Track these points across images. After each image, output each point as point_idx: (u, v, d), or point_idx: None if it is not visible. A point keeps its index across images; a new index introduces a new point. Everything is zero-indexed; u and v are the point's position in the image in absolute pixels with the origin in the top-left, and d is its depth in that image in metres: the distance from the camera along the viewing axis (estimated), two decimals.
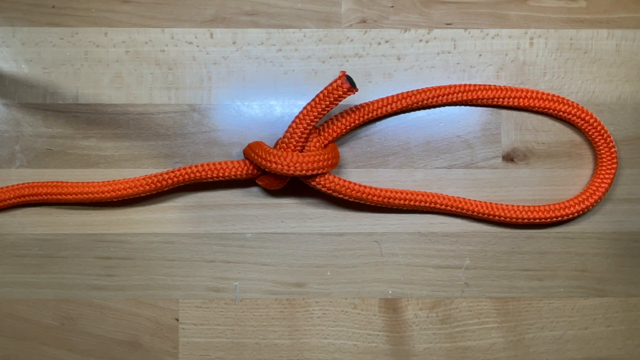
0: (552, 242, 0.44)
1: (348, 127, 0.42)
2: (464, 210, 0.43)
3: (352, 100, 0.42)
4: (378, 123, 0.44)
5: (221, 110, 0.44)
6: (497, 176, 0.44)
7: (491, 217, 0.43)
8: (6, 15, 0.43)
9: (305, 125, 0.40)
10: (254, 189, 0.44)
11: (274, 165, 0.39)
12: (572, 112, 0.43)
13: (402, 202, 0.42)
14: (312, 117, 0.39)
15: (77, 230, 0.43)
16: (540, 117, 0.44)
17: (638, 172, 0.45)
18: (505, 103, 0.44)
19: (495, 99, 0.44)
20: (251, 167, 0.41)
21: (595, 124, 0.43)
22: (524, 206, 0.43)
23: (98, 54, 0.43)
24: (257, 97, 0.44)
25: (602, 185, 0.43)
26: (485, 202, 0.43)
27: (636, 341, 0.44)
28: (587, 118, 0.43)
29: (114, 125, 0.43)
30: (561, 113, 0.44)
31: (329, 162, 0.40)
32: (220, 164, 0.41)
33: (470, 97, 0.43)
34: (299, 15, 0.44)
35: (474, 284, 0.44)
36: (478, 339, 0.44)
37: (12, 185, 0.42)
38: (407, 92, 0.43)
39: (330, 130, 0.42)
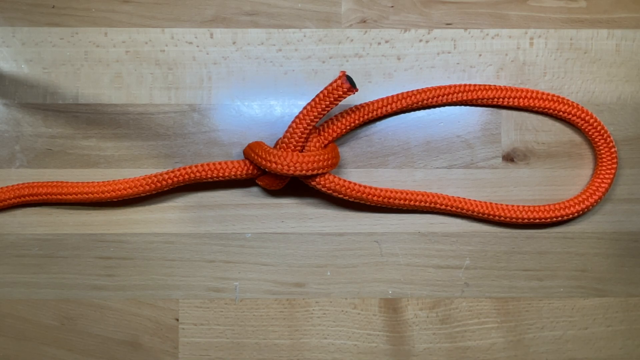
0: (552, 242, 0.44)
1: (348, 127, 0.42)
2: (464, 210, 0.43)
3: (352, 100, 0.42)
4: (378, 123, 0.44)
5: (221, 110, 0.44)
6: (497, 176, 0.44)
7: (491, 217, 0.43)
8: (6, 15, 0.43)
9: (305, 125, 0.40)
10: (254, 189, 0.44)
11: (274, 165, 0.39)
12: (572, 112, 0.43)
13: (402, 202, 0.42)
14: (312, 117, 0.39)
15: (77, 230, 0.43)
16: (540, 117, 0.44)
17: (638, 172, 0.45)
18: (505, 103, 0.44)
19: (495, 99, 0.44)
20: (251, 167, 0.41)
21: (595, 124, 0.43)
22: (524, 206, 0.43)
23: (98, 54, 0.43)
24: (257, 97, 0.44)
25: (602, 185, 0.43)
26: (485, 202, 0.43)
27: (636, 341, 0.44)
28: (587, 118, 0.43)
29: (114, 125, 0.43)
30: (561, 113, 0.44)
31: (329, 162, 0.40)
32: (220, 164, 0.41)
33: (470, 97, 0.43)
34: (299, 15, 0.44)
35: (474, 284, 0.44)
36: (478, 339, 0.44)
37: (12, 185, 0.42)
38: (407, 92, 0.43)
39: (330, 130, 0.42)
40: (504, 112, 0.44)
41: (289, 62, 0.44)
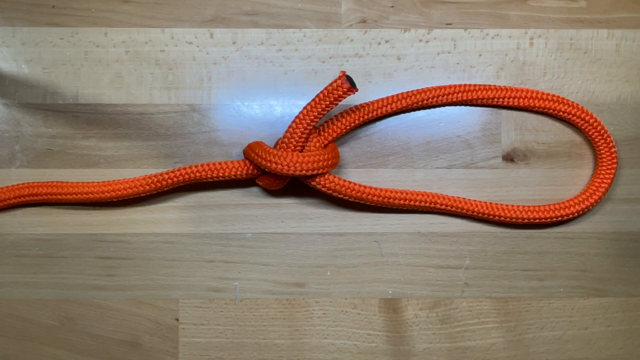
0: (552, 242, 0.44)
1: (348, 127, 0.42)
2: (464, 210, 0.43)
3: (352, 100, 0.42)
4: (378, 123, 0.44)
5: (221, 110, 0.44)
6: (497, 176, 0.44)
7: (491, 217, 0.43)
8: (6, 15, 0.43)
9: (305, 125, 0.40)
10: (254, 189, 0.44)
11: (274, 165, 0.39)
12: (572, 112, 0.43)
13: (402, 202, 0.42)
14: (312, 117, 0.39)
15: (77, 230, 0.43)
16: (540, 117, 0.44)
17: (638, 172, 0.45)
18: (505, 103, 0.44)
19: (495, 99, 0.44)
20: (251, 167, 0.41)
21: (595, 124, 0.43)
22: (524, 206, 0.43)
23: (98, 54, 0.43)
24: (257, 97, 0.44)
25: (602, 185, 0.43)
26: (485, 202, 0.43)
27: (636, 341, 0.44)
28: (587, 118, 0.43)
29: (114, 125, 0.43)
30: (561, 113, 0.44)
31: (329, 162, 0.40)
32: (220, 164, 0.41)
33: (470, 97, 0.43)
34: (299, 15, 0.44)
35: (474, 284, 0.44)
36: (478, 339, 0.44)
37: (12, 185, 0.42)
38: (407, 92, 0.43)
39: (330, 130, 0.42)
40: (504, 112, 0.44)
41: (289, 62, 0.44)
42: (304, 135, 0.40)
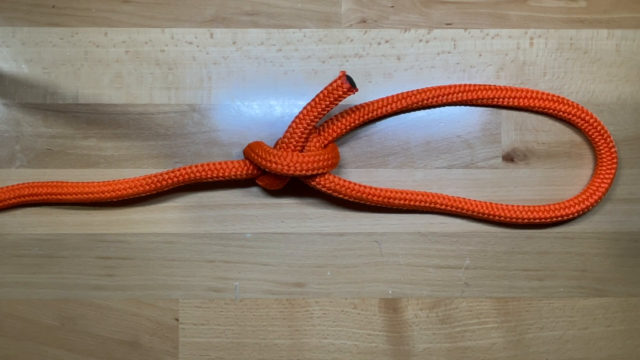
0: (552, 242, 0.44)
1: (348, 127, 0.42)
2: (464, 210, 0.43)
3: (352, 100, 0.42)
4: (378, 123, 0.44)
5: (221, 110, 0.44)
6: (497, 176, 0.44)
7: (491, 217, 0.43)
8: (6, 15, 0.43)
9: (305, 125, 0.40)
10: (254, 189, 0.44)
11: (274, 165, 0.39)
12: (572, 112, 0.43)
13: (402, 202, 0.42)
14: (312, 117, 0.39)
15: (77, 230, 0.43)
16: (540, 117, 0.44)
17: (638, 172, 0.45)
18: (505, 103, 0.44)
19: (495, 99, 0.44)
20: (251, 167, 0.41)
21: (595, 124, 0.43)
22: (524, 206, 0.43)
23: (98, 54, 0.43)
24: (257, 97, 0.44)
25: (602, 185, 0.43)
26: (485, 202, 0.43)
27: (636, 341, 0.44)
28: (587, 118, 0.43)
29: (114, 125, 0.43)
30: (561, 113, 0.44)
31: (329, 162, 0.40)
32: (220, 164, 0.41)
33: (470, 97, 0.43)
34: (299, 15, 0.44)
35: (474, 284, 0.44)
36: (478, 339, 0.44)
37: (12, 185, 0.42)
38: (407, 92, 0.43)
39: (330, 130, 0.42)
40: (504, 112, 0.44)
41: (289, 62, 0.44)
42: (304, 135, 0.40)
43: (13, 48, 0.43)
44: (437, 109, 0.44)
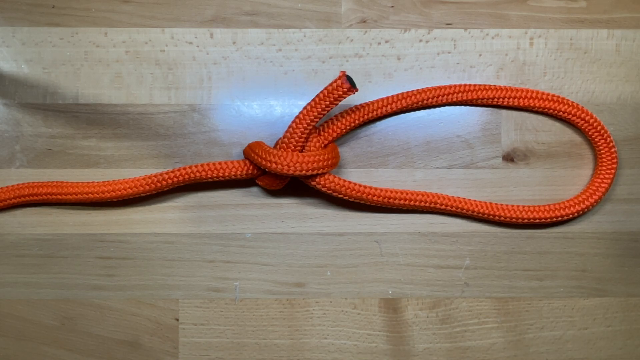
0: (552, 242, 0.44)
1: (348, 127, 0.42)
2: (464, 210, 0.43)
3: (352, 100, 0.42)
4: (378, 123, 0.44)
5: (221, 110, 0.44)
6: (497, 176, 0.44)
7: (491, 217, 0.43)
8: (6, 15, 0.43)
9: (305, 125, 0.40)
10: (254, 189, 0.44)
11: (274, 165, 0.39)
12: (572, 112, 0.43)
13: (402, 202, 0.42)
14: (312, 117, 0.39)
15: (77, 230, 0.43)
16: (540, 117, 0.44)
17: (638, 172, 0.45)
18: (505, 103, 0.44)
19: (495, 99, 0.44)
20: (251, 167, 0.41)
21: (595, 124, 0.43)
22: (524, 206, 0.43)
23: (98, 54, 0.43)
24: (257, 97, 0.44)
25: (602, 185, 0.43)
26: (485, 202, 0.43)
27: (636, 341, 0.44)
28: (587, 118, 0.43)
29: (114, 125, 0.43)
30: (561, 113, 0.44)
31: (329, 162, 0.40)
32: (220, 164, 0.41)
33: (470, 97, 0.43)
34: (299, 15, 0.44)
35: (474, 284, 0.44)
36: (478, 339, 0.44)
37: (12, 185, 0.42)
38: (407, 92, 0.43)
39: (330, 130, 0.42)
40: (504, 112, 0.44)
41: (289, 62, 0.44)
42: (304, 135, 0.40)
43: (13, 48, 0.43)
44: (437, 109, 0.44)
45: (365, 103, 0.43)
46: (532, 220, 0.43)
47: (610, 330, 0.44)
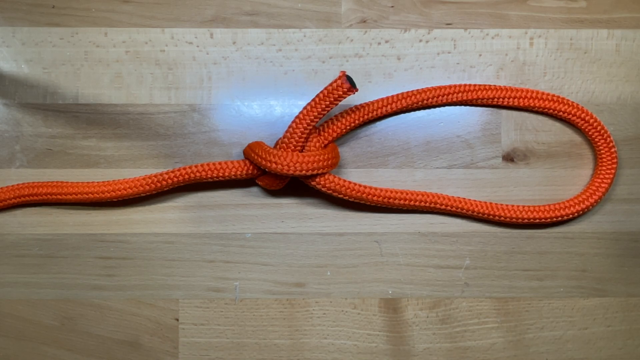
0: (552, 242, 0.44)
1: (348, 127, 0.42)
2: (464, 210, 0.43)
3: (352, 100, 0.42)
4: (378, 123, 0.44)
5: (221, 110, 0.44)
6: (497, 176, 0.44)
7: (491, 217, 0.43)
8: (6, 15, 0.43)
9: (305, 125, 0.40)
10: (254, 189, 0.44)
11: (274, 165, 0.39)
12: (572, 112, 0.43)
13: (402, 202, 0.42)
14: (312, 117, 0.39)
15: (77, 230, 0.43)
16: (540, 117, 0.44)
17: (638, 172, 0.45)
18: (505, 103, 0.44)
19: (495, 99, 0.44)
20: (251, 167, 0.41)
21: (595, 124, 0.43)
22: (524, 206, 0.43)
23: (98, 54, 0.43)
24: (257, 97, 0.44)
25: (602, 185, 0.43)
26: (485, 202, 0.43)
27: (636, 341, 0.44)
28: (587, 118, 0.43)
29: (114, 125, 0.43)
30: (561, 113, 0.44)
31: (329, 162, 0.40)
32: (220, 164, 0.41)
33: (470, 97, 0.43)
34: (299, 15, 0.44)
35: (474, 284, 0.44)
36: (478, 339, 0.44)
37: (12, 185, 0.42)
38: (407, 92, 0.43)
39: (330, 130, 0.42)
40: (504, 112, 0.44)
41: (289, 62, 0.44)
42: (304, 135, 0.40)
43: (13, 48, 0.43)
44: (437, 109, 0.44)
45: (365, 103, 0.43)
46: (532, 220, 0.43)
47: (610, 330, 0.44)
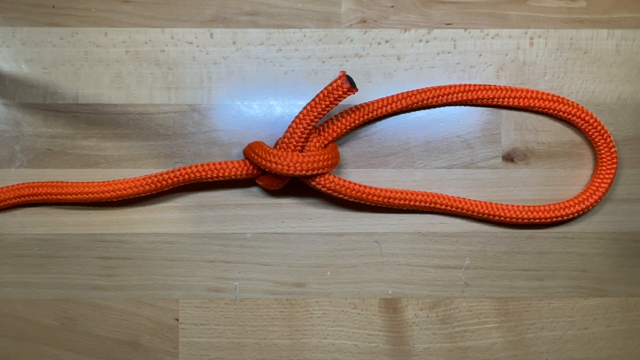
0: (552, 242, 0.44)
1: (348, 127, 0.42)
2: (464, 210, 0.43)
3: (352, 100, 0.42)
4: (378, 123, 0.44)
5: (221, 110, 0.44)
6: (497, 176, 0.44)
7: (491, 217, 0.43)
8: (6, 15, 0.43)
9: (305, 125, 0.40)
10: (254, 189, 0.44)
11: (274, 165, 0.39)
12: (572, 112, 0.43)
13: (402, 202, 0.42)
14: (312, 117, 0.39)
15: (77, 230, 0.43)
16: (540, 117, 0.44)
17: (638, 172, 0.45)
18: (505, 103, 0.44)
19: (495, 99, 0.44)
20: (251, 167, 0.41)
21: (595, 124, 0.43)
22: (524, 206, 0.43)
23: (98, 54, 0.43)
24: (257, 97, 0.44)
25: (602, 185, 0.43)
26: (485, 202, 0.43)
27: (636, 341, 0.44)
28: (587, 118, 0.43)
29: (114, 125, 0.43)
30: (561, 113, 0.44)
31: (329, 162, 0.40)
32: (220, 164, 0.41)
33: (470, 97, 0.43)
34: (299, 15, 0.44)
35: (474, 284, 0.44)
36: (478, 339, 0.44)
37: (12, 185, 0.42)
38: (407, 92, 0.43)
39: (330, 130, 0.42)
40: (504, 112, 0.44)
41: (289, 62, 0.44)
42: (304, 135, 0.40)
43: (13, 48, 0.43)
44: (437, 109, 0.44)
45: (365, 103, 0.43)
46: (532, 220, 0.43)
47: (610, 330, 0.44)
